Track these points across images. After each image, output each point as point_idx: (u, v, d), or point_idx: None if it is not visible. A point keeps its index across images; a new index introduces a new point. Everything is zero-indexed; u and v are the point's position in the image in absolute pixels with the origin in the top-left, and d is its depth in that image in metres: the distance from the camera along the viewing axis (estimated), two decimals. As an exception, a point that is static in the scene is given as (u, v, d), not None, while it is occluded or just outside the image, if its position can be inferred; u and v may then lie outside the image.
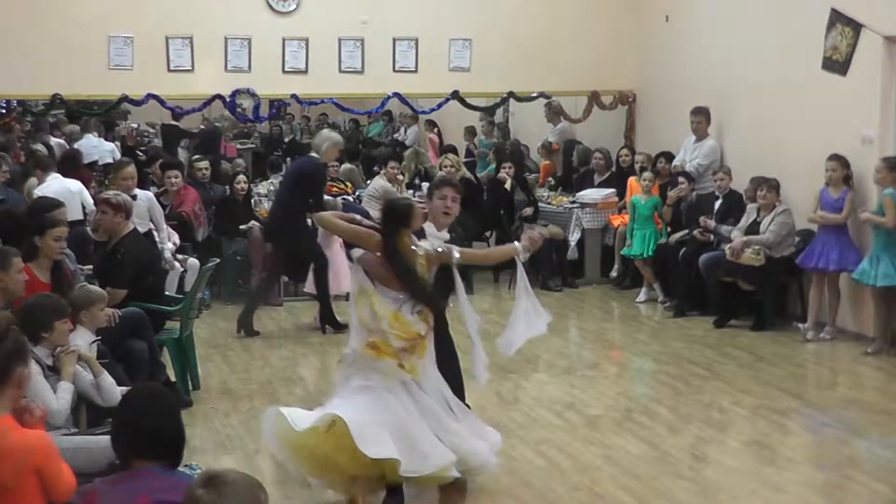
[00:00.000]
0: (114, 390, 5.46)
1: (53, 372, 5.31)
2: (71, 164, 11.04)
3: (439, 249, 5.60)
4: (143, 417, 3.55)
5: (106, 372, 5.56)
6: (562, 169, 13.48)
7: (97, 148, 14.68)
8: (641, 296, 10.99)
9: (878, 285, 8.65)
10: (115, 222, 7.42)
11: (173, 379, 7.47)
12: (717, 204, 10.37)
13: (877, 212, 8.70)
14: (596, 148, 12.66)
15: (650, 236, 10.90)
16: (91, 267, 7.68)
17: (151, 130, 16.58)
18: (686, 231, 10.61)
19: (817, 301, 9.32)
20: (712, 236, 10.23)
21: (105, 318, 6.00)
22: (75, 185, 9.97)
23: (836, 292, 9.21)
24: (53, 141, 14.35)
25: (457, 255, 5.63)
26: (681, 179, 10.78)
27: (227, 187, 11.60)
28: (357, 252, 5.59)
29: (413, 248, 5.52)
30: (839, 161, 9.10)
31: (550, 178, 13.09)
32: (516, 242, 5.98)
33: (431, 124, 17.70)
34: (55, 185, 9.74)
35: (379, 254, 5.46)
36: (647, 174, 11.17)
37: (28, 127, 15.35)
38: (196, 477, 3.21)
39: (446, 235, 6.01)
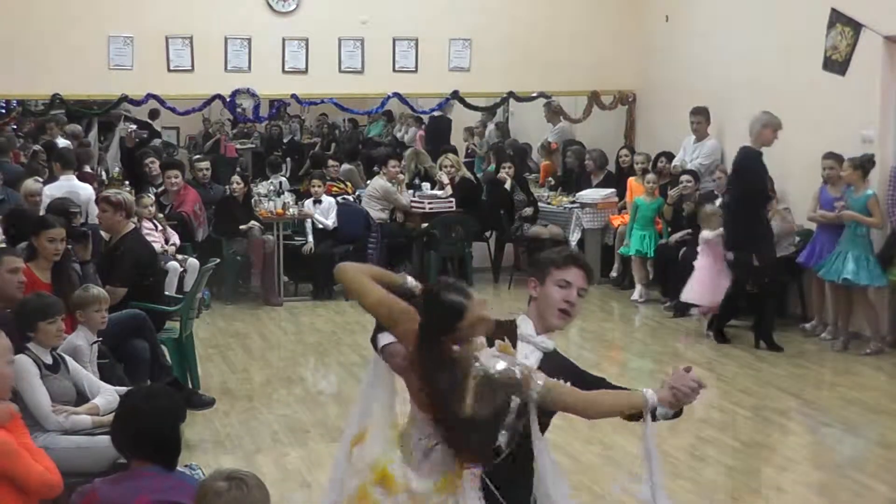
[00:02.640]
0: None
1: (51, 371, 5.30)
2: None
3: (515, 371, 3.37)
4: (141, 418, 3.55)
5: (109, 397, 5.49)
6: (561, 169, 13.48)
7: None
8: (636, 294, 11.00)
9: (837, 281, 8.85)
10: (115, 220, 7.41)
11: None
12: (717, 203, 10.35)
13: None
14: (590, 149, 12.65)
15: (650, 237, 10.90)
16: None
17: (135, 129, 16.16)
18: (686, 231, 10.60)
19: (820, 300, 9.39)
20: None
21: (100, 320, 5.97)
22: (85, 189, 9.86)
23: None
24: (62, 142, 14.34)
25: (539, 382, 3.39)
26: (687, 178, 10.76)
27: (227, 187, 11.60)
28: (385, 338, 3.51)
29: (472, 357, 3.39)
30: (835, 159, 9.12)
31: (550, 178, 13.09)
32: (648, 392, 3.43)
33: (419, 121, 17.70)
34: (65, 185, 9.70)
35: (411, 349, 3.42)
36: (650, 176, 11.16)
37: (27, 127, 15.36)
38: (210, 473, 3.22)
39: (550, 344, 3.74)
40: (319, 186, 11.59)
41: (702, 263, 9.43)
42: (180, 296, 8.36)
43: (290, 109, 18.07)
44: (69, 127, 15.20)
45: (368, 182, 12.50)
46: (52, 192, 9.45)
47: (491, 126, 15.86)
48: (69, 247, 6.70)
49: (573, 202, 12.02)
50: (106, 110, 12.96)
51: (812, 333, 9.40)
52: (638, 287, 11.04)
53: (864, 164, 8.83)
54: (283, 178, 13.27)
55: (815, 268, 9.20)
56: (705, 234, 9.45)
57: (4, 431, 4.18)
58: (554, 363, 3.66)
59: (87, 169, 11.79)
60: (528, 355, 3.63)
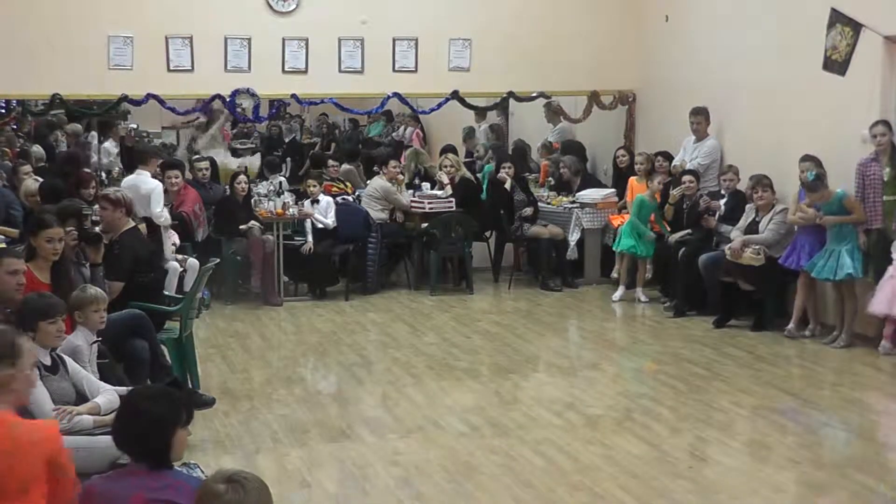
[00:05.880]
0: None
1: (50, 372, 5.29)
2: (71, 165, 11.02)
3: None
4: (137, 418, 3.56)
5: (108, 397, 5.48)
6: (555, 178, 13.45)
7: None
8: (617, 293, 11.01)
9: (836, 279, 8.91)
10: (114, 217, 7.46)
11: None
12: (723, 202, 10.35)
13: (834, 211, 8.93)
14: (563, 157, 12.67)
15: (643, 235, 10.89)
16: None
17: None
18: (686, 231, 10.59)
19: (802, 300, 9.40)
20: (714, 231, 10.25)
21: (99, 320, 5.97)
22: (150, 183, 9.98)
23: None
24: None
25: None
26: (689, 178, 10.75)
27: (227, 187, 11.61)
28: None
29: None
30: (812, 161, 9.17)
31: (550, 178, 13.09)
32: None
33: (415, 120, 17.69)
34: (131, 180, 10.06)
35: None
36: (660, 178, 11.14)
37: (27, 127, 15.35)
38: (214, 473, 3.22)
39: None
40: (315, 186, 11.60)
41: None
42: (180, 296, 8.36)
43: (290, 109, 18.09)
44: (69, 126, 15.21)
45: (368, 182, 12.51)
46: (125, 183, 9.87)
47: (485, 126, 15.82)
48: (80, 249, 6.72)
49: (573, 202, 12.03)
50: (106, 110, 12.97)
51: (796, 335, 9.38)
52: (620, 288, 11.06)
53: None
54: (283, 178, 13.28)
55: (805, 268, 9.18)
56: None
57: None
58: None
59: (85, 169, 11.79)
60: None
